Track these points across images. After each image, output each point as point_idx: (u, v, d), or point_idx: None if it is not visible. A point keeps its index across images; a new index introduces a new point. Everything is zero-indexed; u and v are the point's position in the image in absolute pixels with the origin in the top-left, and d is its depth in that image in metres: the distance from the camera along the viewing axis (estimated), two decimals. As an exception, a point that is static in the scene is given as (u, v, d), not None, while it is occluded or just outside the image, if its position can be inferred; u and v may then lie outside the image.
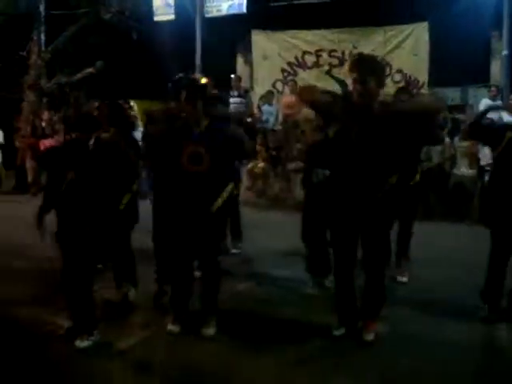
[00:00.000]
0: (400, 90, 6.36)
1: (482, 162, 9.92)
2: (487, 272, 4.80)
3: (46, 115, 12.67)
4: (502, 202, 4.69)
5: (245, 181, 10.87)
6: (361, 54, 4.62)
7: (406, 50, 12.70)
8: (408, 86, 11.39)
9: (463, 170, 10.09)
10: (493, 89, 11.12)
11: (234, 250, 6.87)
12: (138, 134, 6.06)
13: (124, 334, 4.43)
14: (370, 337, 4.17)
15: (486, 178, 9.61)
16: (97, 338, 4.13)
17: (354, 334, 4.23)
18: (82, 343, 4.07)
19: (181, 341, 4.28)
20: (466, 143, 10.20)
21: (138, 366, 3.96)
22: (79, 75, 13.67)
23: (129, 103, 7.12)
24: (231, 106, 12.87)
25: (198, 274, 4.70)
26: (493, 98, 10.94)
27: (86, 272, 4.13)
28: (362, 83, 3.98)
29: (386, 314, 4.36)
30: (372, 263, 4.19)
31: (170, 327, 4.37)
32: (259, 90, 13.30)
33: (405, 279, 5.69)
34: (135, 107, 7.52)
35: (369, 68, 4.04)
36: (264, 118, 12.26)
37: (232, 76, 12.75)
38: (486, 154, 9.81)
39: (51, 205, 4.24)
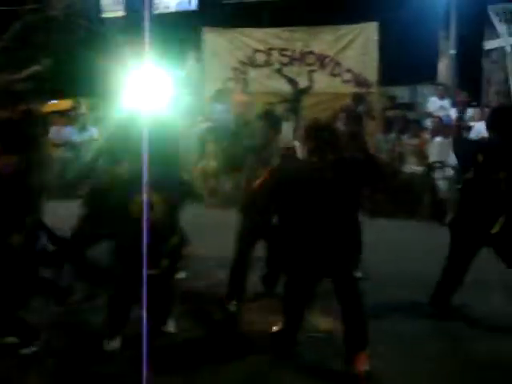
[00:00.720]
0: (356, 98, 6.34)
1: (431, 159, 10.09)
2: (442, 274, 4.87)
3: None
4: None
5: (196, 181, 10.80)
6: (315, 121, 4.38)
7: (356, 49, 12.78)
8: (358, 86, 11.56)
9: (412, 167, 10.24)
10: (440, 87, 11.34)
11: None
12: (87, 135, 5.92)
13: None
14: (366, 367, 3.94)
15: (436, 174, 9.83)
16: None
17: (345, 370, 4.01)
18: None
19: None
20: (414, 141, 10.39)
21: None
22: (25, 73, 13.33)
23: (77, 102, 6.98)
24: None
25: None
26: (440, 97, 11.16)
27: None
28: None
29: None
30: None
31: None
32: (210, 88, 13.20)
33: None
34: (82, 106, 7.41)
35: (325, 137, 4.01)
36: (215, 116, 12.16)
37: (183, 74, 12.62)
38: (434, 152, 10.01)
39: None
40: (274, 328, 4.38)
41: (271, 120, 5.65)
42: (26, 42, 13.81)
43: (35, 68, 13.09)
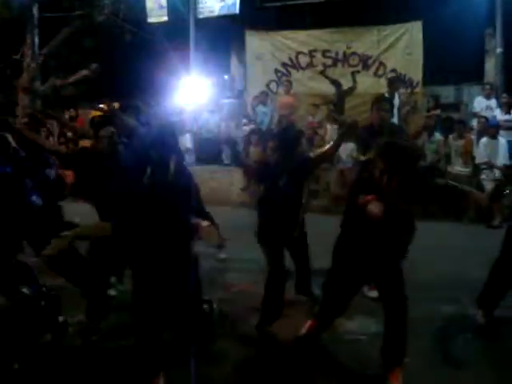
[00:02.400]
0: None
1: (478, 160, 9.94)
2: (490, 276, 4.81)
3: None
4: None
5: (240, 182, 10.89)
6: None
7: (400, 49, 12.70)
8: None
9: (458, 168, 10.10)
10: (487, 87, 11.13)
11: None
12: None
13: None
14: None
15: (482, 175, 9.68)
16: None
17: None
18: None
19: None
20: (460, 141, 10.25)
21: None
22: (74, 78, 13.67)
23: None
24: (224, 108, 12.96)
25: None
26: (487, 97, 10.97)
27: None
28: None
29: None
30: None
31: None
32: (253, 90, 13.29)
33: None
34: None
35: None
36: (258, 119, 12.25)
37: (225, 77, 12.74)
38: (481, 152, 9.86)
39: None
40: (303, 331, 4.43)
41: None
42: (75, 48, 14.17)
43: (83, 72, 13.43)
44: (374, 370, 3.96)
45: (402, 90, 11.21)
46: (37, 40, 14.31)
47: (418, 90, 12.30)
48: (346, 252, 4.03)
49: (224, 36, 13.64)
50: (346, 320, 4.70)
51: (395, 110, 10.81)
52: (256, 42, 13.73)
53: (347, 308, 4.24)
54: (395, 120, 10.33)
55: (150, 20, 13.65)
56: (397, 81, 10.73)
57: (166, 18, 13.50)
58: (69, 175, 6.13)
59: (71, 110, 13.45)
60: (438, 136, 10.48)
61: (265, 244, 4.61)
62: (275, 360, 4.20)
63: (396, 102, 10.87)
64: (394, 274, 3.89)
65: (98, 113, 12.43)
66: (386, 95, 8.90)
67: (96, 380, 3.93)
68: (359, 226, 3.83)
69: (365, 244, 3.86)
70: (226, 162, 11.97)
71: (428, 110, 11.70)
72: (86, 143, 7.70)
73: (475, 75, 12.64)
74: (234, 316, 4.99)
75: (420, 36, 12.39)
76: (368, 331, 4.59)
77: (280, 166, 4.56)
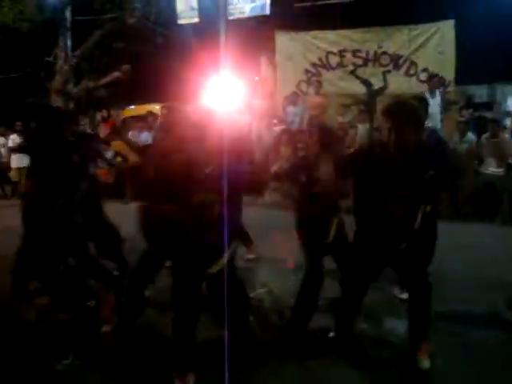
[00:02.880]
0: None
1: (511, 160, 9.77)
2: None
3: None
4: None
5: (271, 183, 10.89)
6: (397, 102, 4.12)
7: (432, 48, 12.57)
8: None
9: (491, 168, 9.93)
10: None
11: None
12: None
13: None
14: (426, 364, 3.95)
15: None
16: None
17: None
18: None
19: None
20: (493, 141, 10.08)
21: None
22: (106, 80, 13.83)
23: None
24: (255, 108, 12.96)
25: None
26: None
27: None
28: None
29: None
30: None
31: None
32: (283, 91, 13.29)
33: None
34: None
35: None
36: (289, 119, 12.25)
37: (256, 78, 12.76)
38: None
39: None
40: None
41: None
42: (106, 50, 14.33)
43: (115, 74, 13.57)
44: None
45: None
46: (69, 43, 14.53)
47: (450, 89, 12.16)
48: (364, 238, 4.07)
49: (254, 37, 13.65)
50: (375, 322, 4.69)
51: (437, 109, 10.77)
52: (286, 42, 13.73)
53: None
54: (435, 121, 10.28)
55: (181, 22, 13.73)
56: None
57: (196, 20, 13.56)
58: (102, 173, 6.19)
59: (103, 111, 13.61)
60: (470, 136, 10.34)
61: (307, 244, 4.56)
62: (303, 360, 4.19)
63: (437, 101, 10.81)
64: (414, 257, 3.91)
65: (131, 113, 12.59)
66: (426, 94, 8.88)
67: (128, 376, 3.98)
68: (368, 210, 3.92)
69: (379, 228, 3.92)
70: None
71: (461, 110, 11.57)
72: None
73: (508, 74, 12.46)
74: (262, 317, 4.99)
75: (452, 35, 12.25)
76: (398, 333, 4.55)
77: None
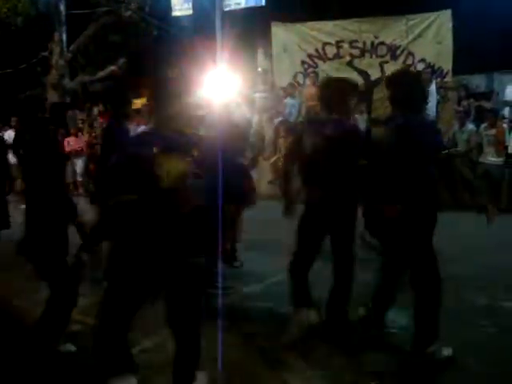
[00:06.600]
0: None
1: (510, 150, 9.75)
2: None
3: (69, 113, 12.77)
4: None
5: (268, 174, 10.85)
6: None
7: (429, 38, 12.50)
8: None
9: (490, 158, 9.90)
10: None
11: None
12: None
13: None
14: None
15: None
16: None
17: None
18: None
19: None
20: (492, 131, 10.04)
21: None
22: (102, 74, 13.76)
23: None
24: (256, 101, 12.89)
25: None
26: (520, 84, 10.76)
27: None
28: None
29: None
30: None
31: None
32: (280, 82, 13.23)
33: None
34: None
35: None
36: (287, 111, 12.19)
37: (259, 69, 12.70)
38: (513, 142, 9.67)
39: None
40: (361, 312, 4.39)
41: None
42: (102, 44, 14.27)
43: (111, 68, 13.51)
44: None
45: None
46: (64, 37, 14.44)
47: (448, 79, 12.10)
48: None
49: (250, 28, 13.57)
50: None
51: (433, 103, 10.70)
52: (282, 33, 13.65)
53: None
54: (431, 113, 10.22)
55: (175, 13, 13.65)
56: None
57: (190, 12, 13.49)
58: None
59: (100, 105, 13.56)
60: (469, 126, 10.30)
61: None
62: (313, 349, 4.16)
63: (433, 94, 10.72)
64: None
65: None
66: None
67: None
68: None
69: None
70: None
71: (459, 100, 11.52)
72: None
73: (506, 63, 12.39)
74: (266, 309, 4.95)
75: (449, 25, 12.18)
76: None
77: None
